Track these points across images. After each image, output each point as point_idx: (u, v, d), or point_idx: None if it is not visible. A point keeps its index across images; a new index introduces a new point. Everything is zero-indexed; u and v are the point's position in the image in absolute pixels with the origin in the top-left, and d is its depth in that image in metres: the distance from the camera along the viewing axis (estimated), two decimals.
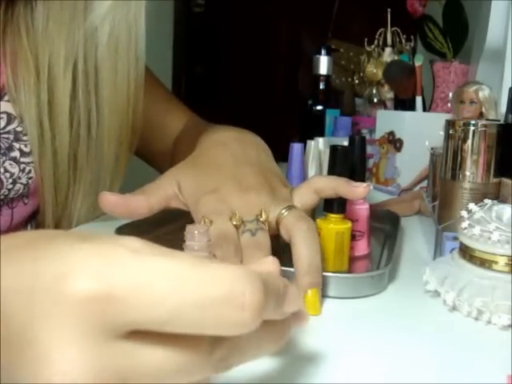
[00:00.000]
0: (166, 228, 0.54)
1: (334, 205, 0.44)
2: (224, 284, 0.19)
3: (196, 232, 0.32)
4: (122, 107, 0.54)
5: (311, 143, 0.68)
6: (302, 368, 0.31)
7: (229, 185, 0.43)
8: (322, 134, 0.96)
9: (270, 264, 0.26)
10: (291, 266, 0.40)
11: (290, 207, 0.42)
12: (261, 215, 0.41)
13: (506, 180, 0.52)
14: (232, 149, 0.47)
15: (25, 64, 0.50)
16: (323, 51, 1.03)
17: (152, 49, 0.67)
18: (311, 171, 0.71)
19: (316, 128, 1.00)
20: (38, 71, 0.50)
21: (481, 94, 0.71)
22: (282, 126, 1.49)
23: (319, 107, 1.03)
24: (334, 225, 0.44)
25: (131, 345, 0.19)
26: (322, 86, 1.04)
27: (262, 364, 0.31)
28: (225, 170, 0.45)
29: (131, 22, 0.52)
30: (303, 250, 0.39)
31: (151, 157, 0.71)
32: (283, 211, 0.42)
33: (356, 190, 0.42)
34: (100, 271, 0.19)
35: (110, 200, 0.43)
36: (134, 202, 0.43)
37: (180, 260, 0.20)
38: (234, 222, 0.41)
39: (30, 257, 0.20)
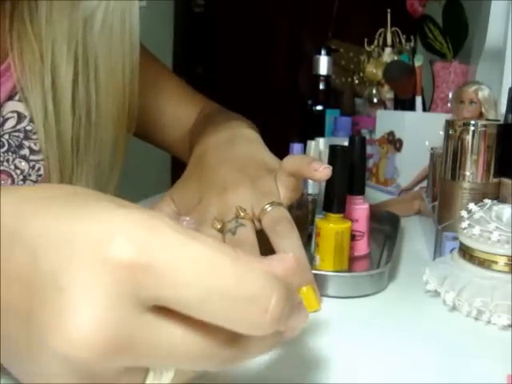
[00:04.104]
0: None
1: (334, 204, 0.44)
2: (256, 283, 0.20)
3: (184, 223, 0.33)
4: (118, 92, 0.56)
5: (311, 143, 0.68)
6: (302, 368, 0.31)
7: (208, 192, 0.45)
8: (322, 134, 0.96)
9: (289, 261, 0.25)
10: None
11: (273, 203, 0.42)
12: (238, 213, 0.41)
13: (505, 180, 0.52)
14: (221, 150, 0.48)
15: (31, 51, 0.51)
16: (323, 51, 1.03)
17: (152, 49, 0.67)
18: None
19: (316, 128, 1.00)
20: (42, 57, 0.52)
21: (480, 94, 0.71)
22: (282, 125, 1.49)
23: (319, 107, 1.03)
24: (334, 224, 0.44)
25: (154, 318, 0.20)
26: (322, 86, 1.04)
27: (262, 364, 0.31)
28: (206, 176, 0.46)
29: (125, 12, 0.53)
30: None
31: (169, 145, 0.72)
32: (266, 207, 0.42)
33: (315, 175, 0.42)
34: (144, 241, 0.20)
35: None
36: None
37: (217, 248, 0.20)
38: (219, 227, 0.41)
39: (69, 212, 0.21)
